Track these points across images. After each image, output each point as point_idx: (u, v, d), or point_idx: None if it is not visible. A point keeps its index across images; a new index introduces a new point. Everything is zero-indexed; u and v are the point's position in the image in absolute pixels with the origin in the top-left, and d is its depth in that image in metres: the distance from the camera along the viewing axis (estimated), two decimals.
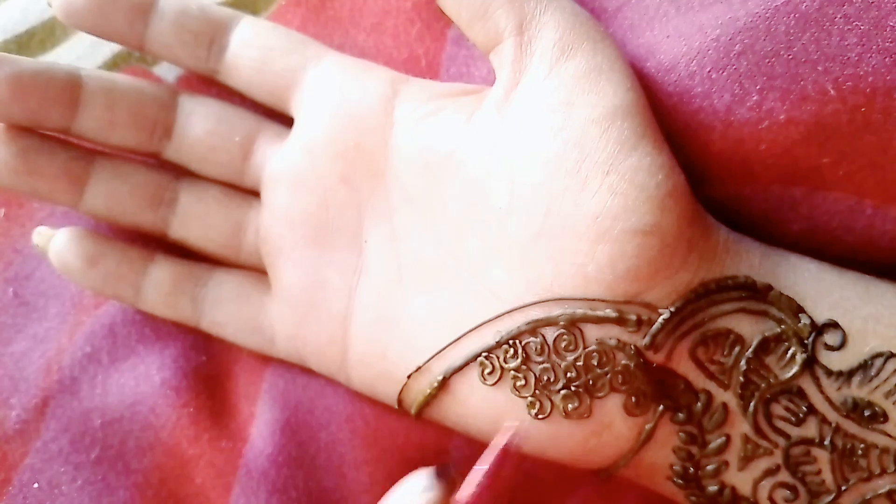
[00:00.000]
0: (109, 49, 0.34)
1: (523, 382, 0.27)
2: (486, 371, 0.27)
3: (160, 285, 0.32)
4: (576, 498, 0.32)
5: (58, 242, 0.32)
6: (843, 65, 0.25)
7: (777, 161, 0.27)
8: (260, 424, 0.32)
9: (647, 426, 0.27)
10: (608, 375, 0.26)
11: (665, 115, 0.27)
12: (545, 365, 0.27)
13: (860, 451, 0.26)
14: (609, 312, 0.26)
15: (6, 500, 0.31)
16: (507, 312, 0.27)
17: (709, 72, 0.26)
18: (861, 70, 0.25)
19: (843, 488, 0.26)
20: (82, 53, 0.35)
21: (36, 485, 0.32)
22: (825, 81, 0.25)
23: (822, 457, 0.26)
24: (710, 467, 0.27)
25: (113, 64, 0.35)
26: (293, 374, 0.33)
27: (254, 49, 0.31)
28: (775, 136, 0.26)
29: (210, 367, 0.34)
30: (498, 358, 0.27)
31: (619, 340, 0.26)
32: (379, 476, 0.32)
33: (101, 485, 0.32)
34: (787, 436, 0.26)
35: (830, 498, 0.26)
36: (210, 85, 0.34)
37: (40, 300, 0.34)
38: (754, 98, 0.26)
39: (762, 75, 0.26)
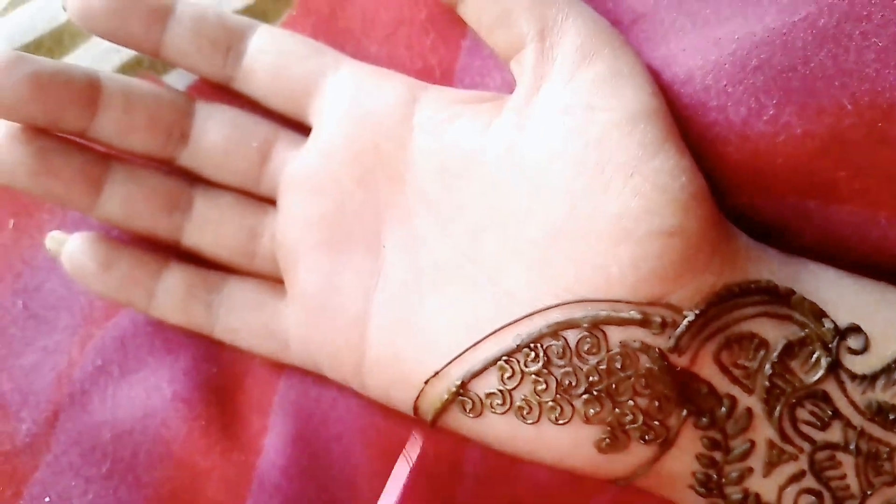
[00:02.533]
0: (119, 58, 0.34)
1: (544, 387, 0.27)
2: (507, 375, 0.27)
3: (174, 291, 0.32)
4: None
5: (71, 246, 0.31)
6: (860, 80, 0.25)
7: (793, 174, 0.27)
8: (273, 436, 0.32)
9: (671, 432, 0.26)
10: (631, 379, 0.26)
11: (681, 128, 0.27)
12: (567, 369, 0.26)
13: (885, 455, 0.25)
14: (633, 314, 0.26)
15: None
16: (528, 315, 0.27)
17: (724, 85, 0.26)
18: (878, 86, 0.25)
19: (869, 493, 0.26)
20: (91, 63, 0.34)
21: (47, 498, 0.31)
22: (842, 96, 0.25)
23: (847, 461, 0.26)
24: (733, 474, 0.26)
25: (122, 73, 0.35)
26: (305, 385, 0.33)
27: (271, 55, 0.31)
28: (791, 150, 0.26)
29: (221, 379, 0.33)
30: (518, 362, 0.27)
31: (642, 343, 0.26)
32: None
33: (111, 498, 0.31)
34: (812, 441, 0.26)
35: (855, 503, 0.26)
36: (222, 96, 0.33)
37: (50, 312, 0.34)
38: (770, 112, 0.26)
39: (778, 89, 0.26)
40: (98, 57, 0.34)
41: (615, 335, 0.26)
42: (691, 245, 0.25)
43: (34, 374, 0.33)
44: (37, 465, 0.32)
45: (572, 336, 0.26)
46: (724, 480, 0.27)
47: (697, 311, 0.25)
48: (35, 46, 0.35)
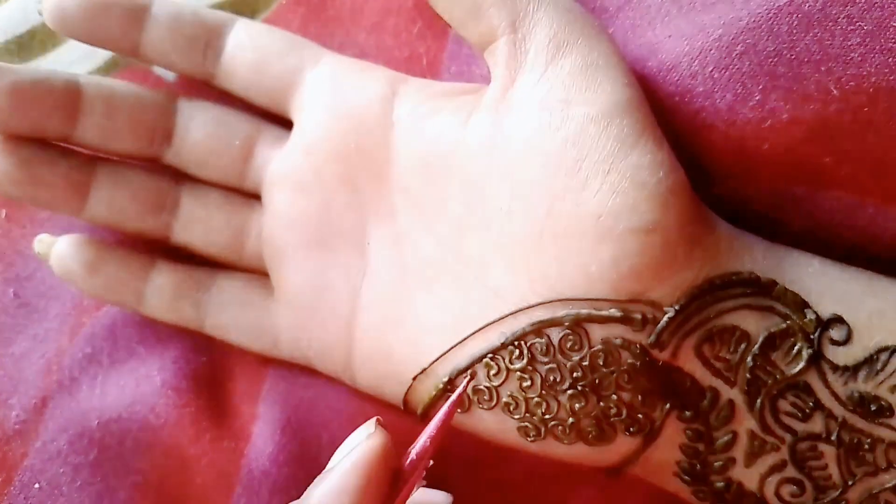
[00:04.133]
0: (104, 53, 0.34)
1: (529, 383, 0.27)
2: (492, 372, 0.27)
3: (162, 291, 0.32)
4: (579, 497, 0.32)
5: (59, 249, 0.32)
6: (845, 65, 0.24)
7: (779, 160, 0.27)
8: (262, 424, 0.32)
9: (655, 424, 0.27)
10: (614, 374, 0.26)
11: (667, 115, 0.27)
12: (551, 365, 0.27)
13: (866, 446, 0.26)
14: (614, 312, 0.26)
15: (7, 501, 0.31)
16: (513, 313, 0.27)
17: (711, 71, 0.26)
18: (864, 70, 0.24)
19: (850, 483, 0.26)
20: (84, 54, 0.35)
21: (37, 485, 0.31)
22: (828, 81, 0.25)
23: (829, 452, 0.26)
24: (717, 464, 0.27)
25: (114, 63, 0.35)
26: (295, 373, 0.33)
27: (250, 52, 0.31)
28: (778, 136, 0.26)
29: (211, 368, 0.34)
30: (503, 359, 0.27)
31: (624, 339, 0.26)
32: None
33: (100, 485, 0.31)
34: (793, 431, 0.26)
35: (837, 493, 0.26)
36: (207, 87, 0.33)
37: (41, 301, 0.34)
38: (757, 98, 0.26)
39: (764, 75, 0.25)
40: (83, 53, 0.34)
41: (597, 332, 0.26)
42: (670, 241, 0.25)
43: (24, 362, 0.33)
44: (27, 451, 0.32)
45: (555, 334, 0.26)
46: (708, 470, 0.27)
47: (678, 307, 0.26)
48: (29, 37, 0.35)
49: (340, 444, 0.32)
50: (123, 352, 0.33)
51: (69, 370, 0.33)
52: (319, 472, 0.32)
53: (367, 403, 0.33)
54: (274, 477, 0.32)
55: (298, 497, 0.32)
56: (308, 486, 0.32)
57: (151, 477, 0.32)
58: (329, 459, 0.32)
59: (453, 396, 0.25)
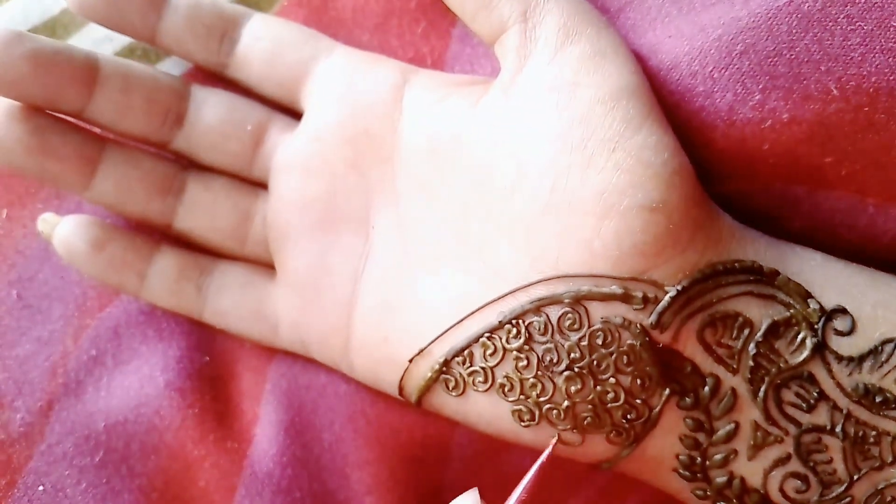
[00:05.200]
0: (111, 47, 0.34)
1: (525, 363, 0.26)
2: (488, 352, 0.27)
3: (165, 273, 0.32)
4: (579, 498, 0.31)
5: (64, 228, 0.31)
6: (846, 64, 0.25)
7: (779, 160, 0.27)
8: (264, 425, 0.32)
9: (653, 411, 0.26)
10: (613, 356, 0.26)
11: (667, 114, 0.27)
12: (548, 345, 0.26)
13: (872, 439, 0.25)
14: (615, 289, 0.25)
15: (11, 503, 0.31)
16: (512, 292, 0.27)
17: (711, 71, 0.27)
18: (864, 70, 0.25)
19: (856, 478, 0.25)
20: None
21: (41, 488, 0.31)
22: (828, 81, 0.25)
23: (834, 445, 0.25)
24: (717, 456, 0.26)
25: None
26: (296, 374, 0.33)
27: (265, 42, 0.31)
28: (778, 136, 0.26)
29: (213, 368, 0.34)
30: (500, 338, 0.27)
31: (624, 319, 0.26)
32: (382, 475, 0.31)
33: (105, 488, 0.31)
34: (797, 423, 0.25)
35: (842, 488, 0.25)
36: (215, 84, 0.34)
37: (44, 302, 0.34)
38: (757, 97, 0.26)
39: (764, 75, 0.26)
40: (91, 46, 0.34)
41: (597, 311, 0.26)
42: (674, 221, 0.25)
43: (29, 364, 0.33)
44: (31, 454, 0.32)
45: (554, 312, 0.26)
46: (708, 463, 0.26)
47: (679, 288, 0.25)
48: None
49: (342, 445, 0.32)
50: (127, 352, 0.33)
51: (74, 373, 0.33)
52: (321, 474, 0.32)
53: (368, 405, 0.32)
54: (277, 478, 0.31)
55: (300, 498, 0.31)
56: (310, 487, 0.31)
57: (156, 480, 0.32)
58: (331, 461, 0.32)
59: (542, 457, 0.26)
